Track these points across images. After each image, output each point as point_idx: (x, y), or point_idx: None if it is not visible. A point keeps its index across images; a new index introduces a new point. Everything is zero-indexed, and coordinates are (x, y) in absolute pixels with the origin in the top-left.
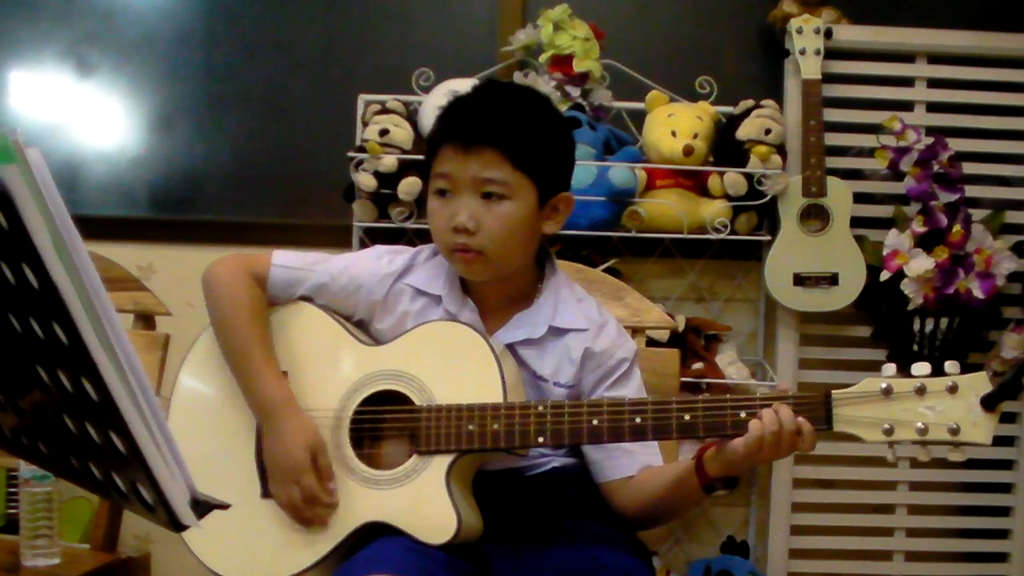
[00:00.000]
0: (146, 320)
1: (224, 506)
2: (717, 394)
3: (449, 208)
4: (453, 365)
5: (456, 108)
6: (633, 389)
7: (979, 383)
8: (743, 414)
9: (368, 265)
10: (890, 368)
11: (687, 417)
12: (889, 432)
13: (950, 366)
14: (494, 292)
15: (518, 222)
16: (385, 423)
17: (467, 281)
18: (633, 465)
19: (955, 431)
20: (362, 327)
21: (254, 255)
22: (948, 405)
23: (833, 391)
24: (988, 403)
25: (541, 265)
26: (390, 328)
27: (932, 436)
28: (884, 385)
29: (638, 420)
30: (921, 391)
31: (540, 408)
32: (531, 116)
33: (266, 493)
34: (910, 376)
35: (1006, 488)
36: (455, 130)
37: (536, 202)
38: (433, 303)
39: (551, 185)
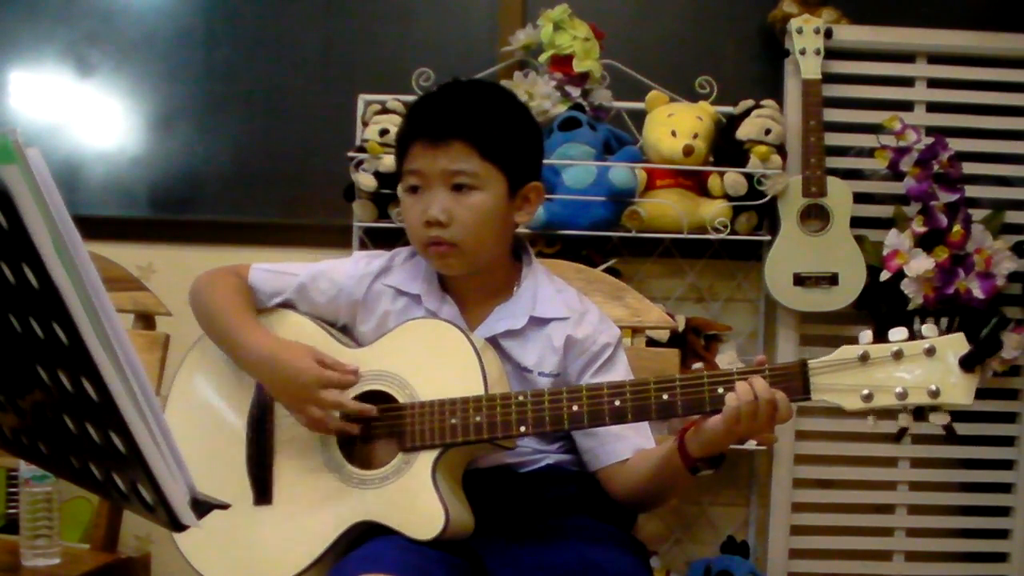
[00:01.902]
0: (146, 320)
1: (224, 506)
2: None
3: (421, 203)
4: (434, 361)
5: (423, 105)
6: (620, 374)
7: (957, 344)
8: (720, 389)
9: (346, 268)
10: (866, 335)
11: (666, 397)
12: (868, 398)
13: (927, 329)
14: (472, 287)
15: (489, 212)
16: (371, 423)
17: (445, 278)
18: (626, 449)
19: (935, 393)
20: (347, 332)
21: (235, 265)
22: (927, 368)
23: (810, 360)
24: (967, 363)
25: (518, 258)
26: (373, 330)
27: (912, 400)
28: (861, 352)
29: (617, 403)
30: (898, 355)
31: (520, 398)
32: (496, 108)
33: (258, 500)
34: (887, 341)
35: (1006, 488)
36: (422, 126)
37: (506, 192)
38: (413, 303)
39: (520, 175)
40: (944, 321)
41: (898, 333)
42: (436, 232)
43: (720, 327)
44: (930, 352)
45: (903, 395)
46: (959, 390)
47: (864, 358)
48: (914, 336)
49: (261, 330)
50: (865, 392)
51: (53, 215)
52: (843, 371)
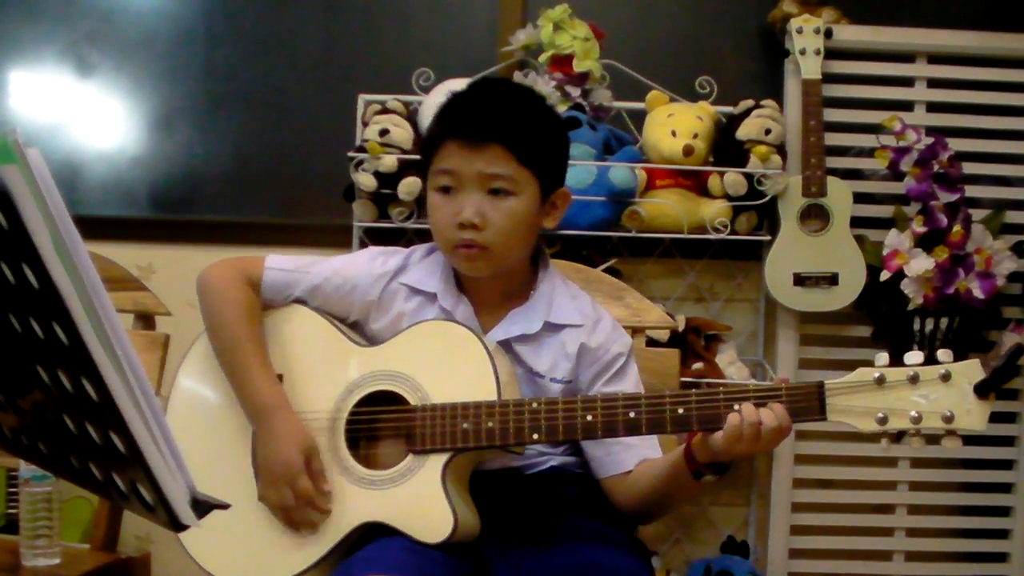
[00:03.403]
0: (146, 320)
1: (224, 506)
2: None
3: (454, 204)
4: (447, 364)
5: (457, 105)
6: (631, 383)
7: (972, 370)
8: (737, 406)
9: (362, 266)
10: (883, 357)
11: (681, 411)
12: (883, 421)
13: (943, 354)
14: (490, 288)
15: (522, 217)
16: (381, 423)
17: (462, 278)
18: (632, 459)
19: (949, 419)
20: (357, 329)
21: (248, 258)
22: (942, 393)
23: (826, 381)
24: (982, 390)
25: (534, 262)
26: (385, 328)
27: (926, 424)
28: (877, 374)
29: (632, 415)
30: (914, 380)
31: (534, 405)
32: (532, 112)
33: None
34: (903, 365)
35: (1006, 488)
36: (459, 126)
37: (539, 198)
38: (428, 301)
39: (552, 180)
40: (944, 321)
41: (914, 357)
42: (470, 235)
43: (720, 327)
44: (945, 378)
45: (917, 419)
46: (973, 416)
47: (880, 381)
48: (930, 360)
49: (270, 379)
50: (880, 415)
51: (53, 215)
52: (859, 393)
